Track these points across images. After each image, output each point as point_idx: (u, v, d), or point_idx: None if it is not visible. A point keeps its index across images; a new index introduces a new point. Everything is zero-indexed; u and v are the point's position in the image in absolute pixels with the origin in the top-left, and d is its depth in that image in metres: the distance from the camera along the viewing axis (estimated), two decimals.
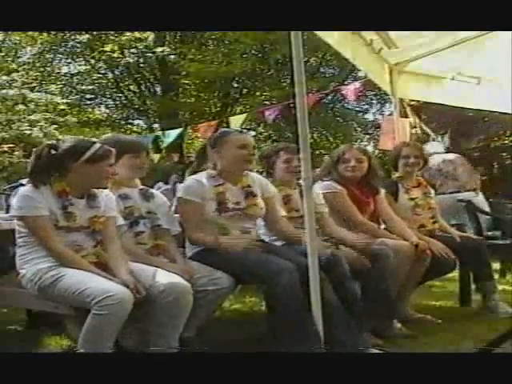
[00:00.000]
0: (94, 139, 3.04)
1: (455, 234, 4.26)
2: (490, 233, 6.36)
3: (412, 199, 4.21)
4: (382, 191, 4.09)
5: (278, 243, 3.52)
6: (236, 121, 9.04)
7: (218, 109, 16.89)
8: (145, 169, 3.27)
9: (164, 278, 2.77)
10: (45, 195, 2.77)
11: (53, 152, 2.83)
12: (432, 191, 4.39)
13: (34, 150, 2.89)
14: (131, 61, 15.81)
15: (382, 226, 4.08)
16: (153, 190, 3.39)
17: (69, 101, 15.97)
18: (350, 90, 7.43)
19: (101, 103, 18.39)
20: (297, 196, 3.64)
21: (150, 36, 14.66)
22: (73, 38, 16.00)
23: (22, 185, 4.31)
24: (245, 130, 3.64)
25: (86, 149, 2.82)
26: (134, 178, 3.28)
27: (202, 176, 3.36)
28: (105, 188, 2.93)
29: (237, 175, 3.38)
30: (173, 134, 9.12)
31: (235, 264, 3.10)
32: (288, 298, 2.94)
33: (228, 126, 10.07)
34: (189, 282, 2.83)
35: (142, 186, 3.30)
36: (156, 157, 12.90)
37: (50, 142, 2.95)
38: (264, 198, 3.45)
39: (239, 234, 3.32)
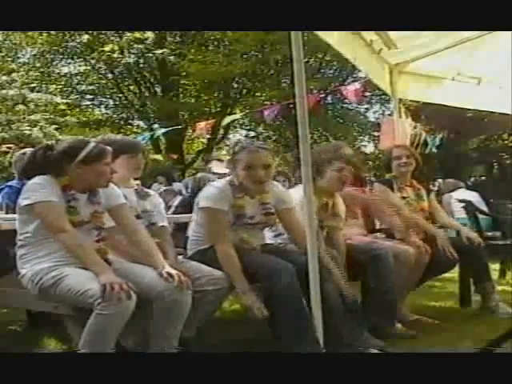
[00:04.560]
0: (88, 139, 3.04)
1: (463, 230, 4.32)
2: (489, 233, 6.37)
3: (404, 198, 4.25)
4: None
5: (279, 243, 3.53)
6: (228, 120, 9.09)
7: (218, 109, 16.90)
8: (141, 169, 3.28)
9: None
10: (53, 187, 2.78)
11: (49, 153, 2.84)
12: (424, 193, 4.41)
13: (30, 150, 2.88)
14: (131, 61, 15.83)
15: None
16: (147, 190, 3.40)
17: (69, 101, 15.99)
18: (350, 90, 7.43)
19: (101, 103, 18.42)
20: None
21: (150, 36, 14.67)
22: (73, 38, 16.02)
23: (9, 186, 4.35)
24: (260, 143, 3.49)
25: (81, 149, 2.82)
26: (131, 178, 3.29)
27: (223, 183, 3.32)
28: (106, 187, 2.91)
29: (254, 190, 3.32)
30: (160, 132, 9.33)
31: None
32: (287, 298, 2.95)
33: (223, 126, 10.14)
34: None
35: (136, 186, 3.31)
36: (155, 157, 12.93)
37: (46, 143, 2.96)
38: (281, 210, 3.38)
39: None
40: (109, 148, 2.90)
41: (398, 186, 4.27)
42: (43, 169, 2.81)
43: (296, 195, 3.43)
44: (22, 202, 2.79)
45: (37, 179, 2.78)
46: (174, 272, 2.73)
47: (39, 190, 2.74)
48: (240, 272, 3.07)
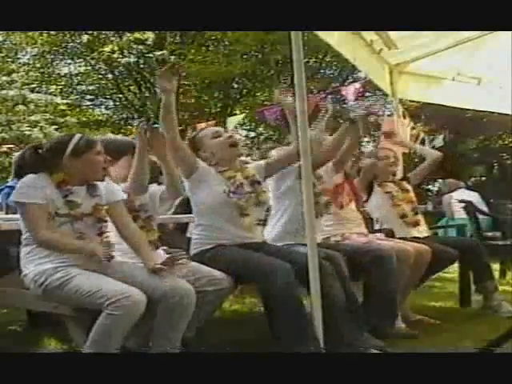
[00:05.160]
0: (74, 133, 3.05)
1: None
2: (490, 233, 6.38)
3: (387, 192, 4.33)
4: None
5: (280, 243, 3.53)
6: (233, 121, 9.05)
7: (219, 109, 16.87)
8: None
9: (167, 279, 2.76)
10: (46, 185, 2.77)
11: (38, 152, 2.84)
12: (409, 187, 4.48)
13: (19, 152, 2.91)
14: (131, 61, 15.81)
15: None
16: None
17: (69, 101, 15.96)
18: (350, 90, 7.43)
19: (101, 104, 18.37)
20: None
21: (150, 37, 14.65)
22: (73, 38, 16.00)
23: (9, 187, 4.35)
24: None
25: (67, 142, 2.82)
26: None
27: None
28: (102, 180, 2.91)
29: (233, 164, 3.39)
30: None
31: (235, 264, 3.10)
32: (284, 298, 2.95)
33: (225, 126, 10.12)
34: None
35: None
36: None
37: (33, 144, 2.97)
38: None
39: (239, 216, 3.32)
40: (96, 139, 2.92)
41: (377, 183, 4.35)
42: (34, 168, 2.81)
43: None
44: (12, 199, 2.81)
45: (26, 178, 2.78)
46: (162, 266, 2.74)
47: (23, 189, 2.75)
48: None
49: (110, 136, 3.61)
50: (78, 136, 2.87)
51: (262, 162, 3.58)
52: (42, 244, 2.74)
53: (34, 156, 2.85)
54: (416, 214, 4.38)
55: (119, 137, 4.02)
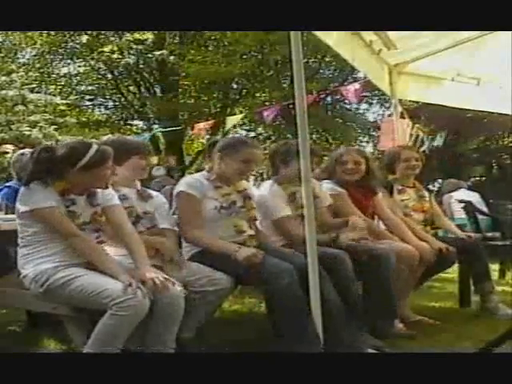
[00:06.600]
0: (92, 140, 3.01)
1: (458, 233, 4.32)
2: (489, 234, 6.38)
3: (403, 200, 4.23)
4: (380, 193, 4.11)
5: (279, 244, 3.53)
6: (233, 121, 9.08)
7: (218, 110, 16.89)
8: (148, 170, 3.28)
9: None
10: (51, 192, 2.77)
11: (49, 156, 2.79)
12: (427, 194, 4.40)
13: (31, 152, 2.88)
14: (131, 62, 15.83)
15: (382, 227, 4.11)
16: (150, 191, 3.38)
17: (68, 102, 15.98)
18: (350, 90, 7.45)
19: (100, 104, 18.41)
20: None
21: (150, 37, 14.67)
22: (72, 38, 16.03)
23: (8, 187, 4.34)
24: (253, 140, 3.55)
25: (83, 154, 2.77)
26: (137, 178, 3.29)
27: (200, 176, 3.40)
28: (105, 189, 2.90)
29: (234, 181, 3.40)
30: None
31: (235, 265, 3.10)
32: (287, 299, 2.95)
33: (224, 126, 10.12)
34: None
35: (139, 187, 3.30)
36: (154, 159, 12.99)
37: (44, 146, 2.94)
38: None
39: (235, 233, 3.33)
40: (110, 150, 2.86)
41: (398, 190, 4.26)
42: (44, 172, 2.78)
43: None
44: (20, 208, 2.78)
45: (32, 185, 2.76)
46: (133, 281, 2.62)
47: (37, 196, 2.73)
48: (222, 245, 3.17)
49: (119, 136, 3.49)
50: (94, 149, 2.80)
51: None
52: (77, 241, 2.73)
53: (45, 160, 2.79)
54: (426, 225, 4.25)
55: (128, 137, 3.97)
